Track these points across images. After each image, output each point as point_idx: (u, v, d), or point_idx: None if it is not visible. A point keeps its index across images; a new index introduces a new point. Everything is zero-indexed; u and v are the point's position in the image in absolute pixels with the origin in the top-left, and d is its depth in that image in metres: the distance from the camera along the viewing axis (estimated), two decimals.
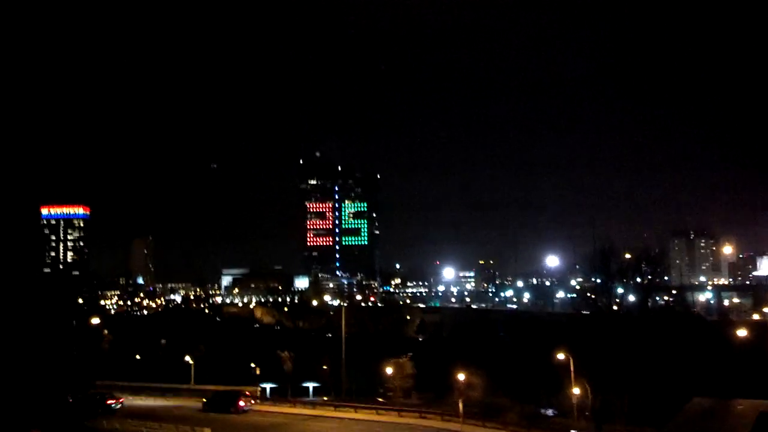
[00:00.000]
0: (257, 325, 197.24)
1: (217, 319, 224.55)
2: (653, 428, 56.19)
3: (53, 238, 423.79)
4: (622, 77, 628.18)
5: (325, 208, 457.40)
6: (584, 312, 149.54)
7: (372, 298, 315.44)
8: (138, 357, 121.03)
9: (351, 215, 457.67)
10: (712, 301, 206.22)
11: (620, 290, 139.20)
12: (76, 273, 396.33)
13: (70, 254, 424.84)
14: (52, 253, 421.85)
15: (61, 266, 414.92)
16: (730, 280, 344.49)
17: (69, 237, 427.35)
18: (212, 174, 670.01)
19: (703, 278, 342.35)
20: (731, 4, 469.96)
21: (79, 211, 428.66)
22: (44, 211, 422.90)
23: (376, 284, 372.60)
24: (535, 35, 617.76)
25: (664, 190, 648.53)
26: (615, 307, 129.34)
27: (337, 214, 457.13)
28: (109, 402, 78.24)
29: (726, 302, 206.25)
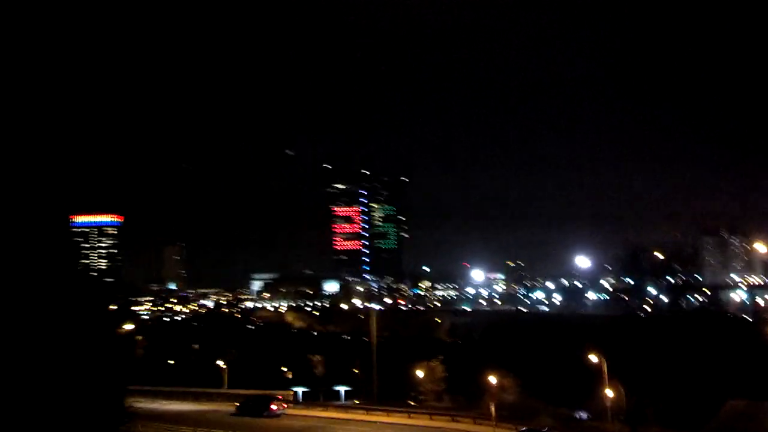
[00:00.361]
0: (288, 330, 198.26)
1: (248, 324, 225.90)
2: (688, 431, 55.62)
3: (86, 245, 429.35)
4: (650, 71, 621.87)
5: (353, 211, 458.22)
6: (616, 313, 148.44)
7: (401, 301, 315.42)
8: (171, 362, 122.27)
9: (379, 219, 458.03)
10: (746, 301, 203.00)
11: (652, 290, 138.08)
12: (109, 280, 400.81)
13: (103, 261, 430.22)
14: (84, 261, 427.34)
15: (94, 273, 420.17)
16: (765, 279, 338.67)
17: (101, 244, 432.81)
18: (242, 180, 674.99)
19: (736, 277, 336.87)
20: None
21: (112, 218, 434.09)
22: (76, 219, 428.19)
23: (405, 287, 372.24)
24: (563, 33, 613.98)
25: (696, 188, 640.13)
26: (647, 308, 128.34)
27: (364, 217, 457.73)
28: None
29: (761, 301, 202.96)
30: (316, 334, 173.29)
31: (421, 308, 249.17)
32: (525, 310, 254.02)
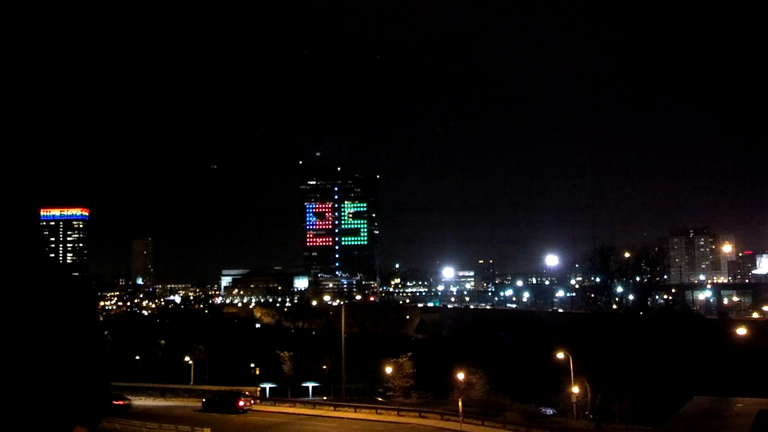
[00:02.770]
0: (257, 326, 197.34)
1: (217, 320, 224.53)
2: (653, 427, 56.20)
3: (52, 239, 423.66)
4: (621, 78, 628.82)
5: (325, 208, 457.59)
6: (584, 311, 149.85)
7: (372, 298, 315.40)
8: (137, 357, 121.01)
9: (350, 215, 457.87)
10: (711, 300, 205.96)
11: (620, 289, 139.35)
12: (76, 274, 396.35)
13: (69, 255, 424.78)
14: (52, 255, 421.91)
15: (61, 268, 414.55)
16: (730, 278, 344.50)
17: (68, 238, 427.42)
18: (212, 175, 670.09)
19: (702, 277, 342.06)
20: (732, 6, 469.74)
21: (78, 212, 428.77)
22: (43, 213, 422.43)
23: (375, 284, 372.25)
24: (533, 38, 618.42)
25: (663, 190, 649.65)
26: (614, 306, 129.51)
27: (336, 214, 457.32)
28: (116, 402, 77.94)
29: (725, 301, 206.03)
30: (285, 330, 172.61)
31: (391, 305, 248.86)
32: (491, 307, 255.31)
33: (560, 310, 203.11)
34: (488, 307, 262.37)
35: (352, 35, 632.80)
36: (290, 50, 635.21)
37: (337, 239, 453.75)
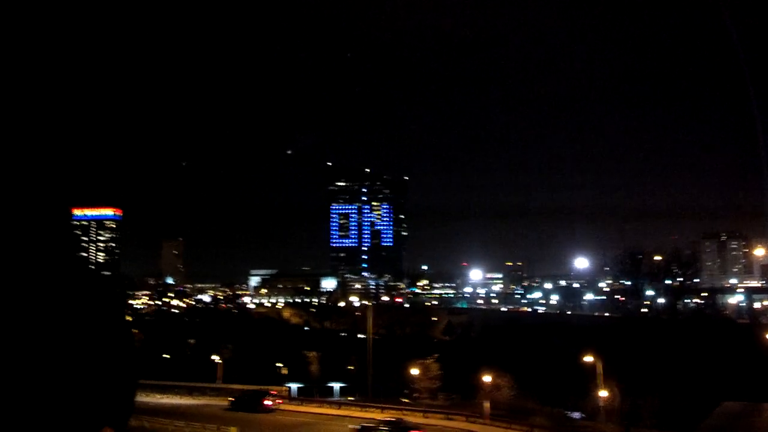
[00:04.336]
0: (284, 326, 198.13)
1: (245, 319, 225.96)
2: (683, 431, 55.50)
3: (84, 239, 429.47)
4: (652, 78, 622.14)
5: (352, 209, 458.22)
6: (613, 314, 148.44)
7: (399, 299, 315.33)
8: (167, 356, 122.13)
9: (378, 217, 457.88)
10: (743, 304, 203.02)
11: (650, 292, 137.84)
12: (107, 273, 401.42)
13: (101, 255, 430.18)
14: (84, 254, 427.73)
15: (92, 267, 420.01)
16: (762, 282, 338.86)
17: (100, 238, 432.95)
18: (242, 176, 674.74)
19: (734, 280, 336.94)
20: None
21: (111, 212, 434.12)
22: (76, 213, 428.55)
23: (402, 285, 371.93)
24: (563, 35, 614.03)
25: (695, 192, 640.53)
26: (645, 310, 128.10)
27: (364, 215, 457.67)
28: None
29: (757, 305, 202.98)
30: (312, 330, 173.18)
31: (418, 307, 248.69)
32: (528, 309, 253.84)
33: (592, 314, 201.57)
34: (517, 309, 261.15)
35: (376, 38, 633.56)
36: (320, 53, 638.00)
37: (364, 240, 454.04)
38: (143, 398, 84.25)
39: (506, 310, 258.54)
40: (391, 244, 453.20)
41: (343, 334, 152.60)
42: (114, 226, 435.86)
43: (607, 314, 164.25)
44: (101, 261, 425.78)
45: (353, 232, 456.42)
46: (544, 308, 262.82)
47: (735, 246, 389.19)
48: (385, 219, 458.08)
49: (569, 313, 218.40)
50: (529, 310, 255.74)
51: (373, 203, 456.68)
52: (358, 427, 67.22)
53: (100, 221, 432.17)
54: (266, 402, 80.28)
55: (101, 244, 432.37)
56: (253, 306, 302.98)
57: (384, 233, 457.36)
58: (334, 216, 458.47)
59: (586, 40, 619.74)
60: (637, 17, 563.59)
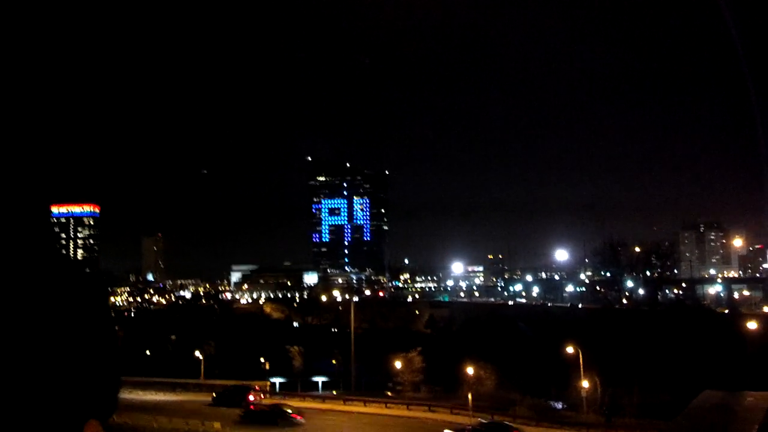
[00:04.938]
0: (267, 321, 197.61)
1: (226, 315, 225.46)
2: (663, 421, 56.05)
3: (63, 236, 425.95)
4: (630, 71, 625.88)
5: (334, 204, 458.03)
6: (594, 306, 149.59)
7: (381, 294, 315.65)
8: (148, 352, 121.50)
9: (360, 211, 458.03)
10: (722, 294, 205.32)
11: (630, 284, 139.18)
12: (87, 270, 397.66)
13: (80, 252, 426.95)
14: (63, 251, 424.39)
15: (73, 263, 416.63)
16: (741, 272, 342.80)
17: (79, 235, 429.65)
18: (221, 171, 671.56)
19: (713, 271, 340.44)
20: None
21: (89, 209, 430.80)
22: (54, 210, 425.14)
23: (384, 280, 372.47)
24: (541, 31, 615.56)
25: (674, 184, 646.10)
26: (625, 301, 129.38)
27: (345, 210, 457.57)
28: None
29: (736, 295, 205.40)
30: (295, 325, 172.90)
31: (401, 300, 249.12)
32: (504, 302, 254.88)
33: (572, 305, 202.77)
34: (498, 301, 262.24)
35: (358, 30, 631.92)
36: (298, 45, 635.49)
37: (346, 235, 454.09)
38: (126, 395, 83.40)
39: (490, 302, 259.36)
40: (372, 238, 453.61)
41: (325, 329, 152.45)
42: (92, 222, 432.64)
43: (587, 306, 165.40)
44: (80, 258, 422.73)
45: (335, 226, 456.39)
46: (524, 300, 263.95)
47: (713, 237, 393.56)
48: (366, 214, 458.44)
49: (550, 304, 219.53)
50: (511, 303, 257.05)
51: (354, 197, 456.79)
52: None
53: (78, 218, 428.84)
54: (250, 397, 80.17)
55: (80, 241, 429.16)
56: (234, 301, 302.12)
57: (365, 228, 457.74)
58: (315, 211, 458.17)
59: (567, 34, 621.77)
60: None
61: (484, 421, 64.92)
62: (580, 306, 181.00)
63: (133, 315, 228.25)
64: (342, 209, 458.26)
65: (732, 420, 9.97)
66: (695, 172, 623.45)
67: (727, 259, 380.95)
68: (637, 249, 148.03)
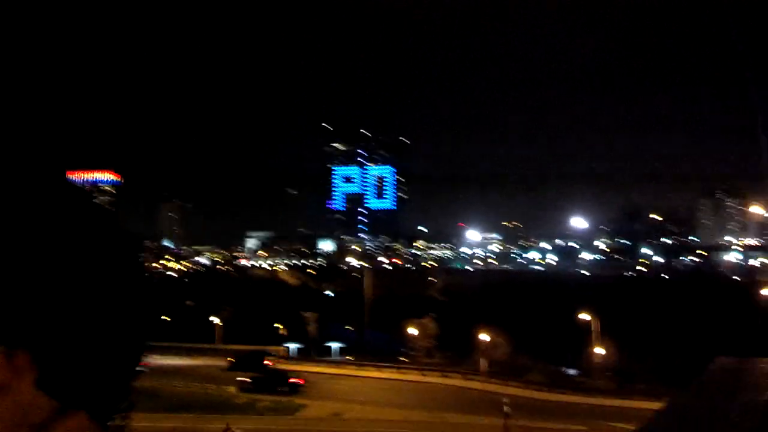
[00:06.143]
0: (282, 287, 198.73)
1: (243, 281, 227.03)
2: (676, 388, 56.05)
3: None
4: (648, 35, 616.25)
5: (351, 171, 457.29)
6: (610, 273, 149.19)
7: (396, 260, 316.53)
8: (166, 318, 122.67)
9: (376, 178, 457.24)
10: (739, 262, 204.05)
11: (646, 251, 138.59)
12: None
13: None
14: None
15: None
16: (758, 240, 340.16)
17: (97, 201, 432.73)
18: (239, 138, 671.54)
19: (730, 238, 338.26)
20: None
21: (109, 176, 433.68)
22: (73, 177, 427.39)
23: (400, 246, 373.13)
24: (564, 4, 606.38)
25: (691, 149, 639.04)
26: (641, 268, 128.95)
27: (362, 177, 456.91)
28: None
29: (753, 262, 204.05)
30: (310, 291, 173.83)
31: (416, 267, 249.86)
32: (520, 269, 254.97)
33: (588, 272, 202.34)
34: (513, 268, 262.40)
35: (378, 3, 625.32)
36: (318, 11, 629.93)
37: (362, 201, 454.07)
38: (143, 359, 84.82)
39: (505, 269, 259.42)
40: (388, 205, 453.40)
41: (341, 296, 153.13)
42: (109, 189, 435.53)
43: (604, 273, 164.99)
44: None
45: (351, 193, 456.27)
46: (541, 268, 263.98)
47: (731, 204, 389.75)
48: (382, 180, 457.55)
49: (566, 272, 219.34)
50: (526, 270, 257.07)
51: (370, 164, 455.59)
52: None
53: (96, 185, 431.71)
54: (265, 362, 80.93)
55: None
56: (250, 268, 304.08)
57: (381, 194, 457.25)
58: (332, 177, 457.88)
59: (589, 11, 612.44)
60: None
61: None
62: (595, 273, 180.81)
63: (150, 281, 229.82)
64: (358, 176, 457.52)
65: (744, 386, 9.81)
66: (714, 138, 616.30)
67: (745, 227, 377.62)
68: (654, 216, 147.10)
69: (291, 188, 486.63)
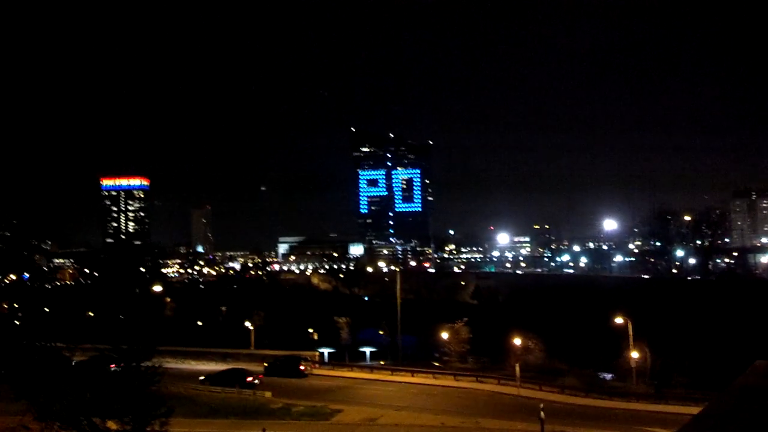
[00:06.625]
0: (314, 292, 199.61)
1: (275, 286, 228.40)
2: (713, 392, 55.51)
3: (114, 209, 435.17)
4: (679, 36, 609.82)
5: (378, 175, 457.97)
6: (643, 275, 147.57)
7: (426, 264, 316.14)
8: (200, 323, 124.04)
9: (404, 182, 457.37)
10: None
11: (680, 253, 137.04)
12: (138, 242, 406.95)
13: (131, 224, 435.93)
14: (114, 224, 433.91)
15: (123, 236, 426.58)
16: None
17: (130, 208, 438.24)
18: (269, 145, 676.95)
19: (765, 240, 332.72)
20: None
21: (139, 182, 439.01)
22: (105, 183, 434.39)
23: (430, 250, 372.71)
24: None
25: (726, 150, 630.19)
26: (675, 270, 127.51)
27: (390, 181, 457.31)
28: (249, 379, 77.04)
29: None
30: (341, 296, 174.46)
31: (446, 271, 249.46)
32: (551, 273, 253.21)
33: (621, 275, 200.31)
34: (545, 272, 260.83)
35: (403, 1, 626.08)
36: (342, 19, 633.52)
37: (391, 206, 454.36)
38: (179, 365, 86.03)
39: (536, 272, 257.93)
40: (417, 209, 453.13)
41: (372, 300, 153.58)
42: (143, 195, 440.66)
43: (637, 275, 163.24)
44: (131, 231, 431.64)
45: (380, 197, 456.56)
46: (572, 270, 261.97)
47: (766, 204, 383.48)
48: (410, 184, 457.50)
49: (599, 275, 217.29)
50: (558, 273, 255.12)
51: (398, 168, 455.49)
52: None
53: (129, 191, 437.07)
54: (300, 367, 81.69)
55: (131, 214, 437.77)
56: (282, 273, 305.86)
57: (410, 199, 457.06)
58: (360, 182, 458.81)
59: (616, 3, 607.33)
60: None
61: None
62: (627, 276, 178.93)
63: (184, 286, 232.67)
64: (386, 180, 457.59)
65: None
66: (748, 138, 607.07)
67: None
68: (687, 218, 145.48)
69: (313, 194, 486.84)
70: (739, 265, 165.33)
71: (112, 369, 41.39)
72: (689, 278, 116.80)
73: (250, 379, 76.00)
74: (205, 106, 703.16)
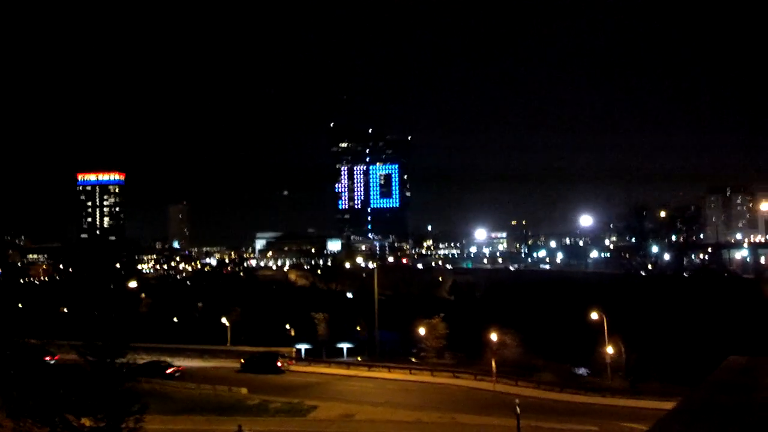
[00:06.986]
0: (291, 288, 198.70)
1: (252, 282, 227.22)
2: (687, 387, 56.05)
3: (89, 204, 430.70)
4: (654, 33, 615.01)
5: (357, 170, 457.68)
6: (618, 271, 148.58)
7: (404, 260, 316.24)
8: (175, 320, 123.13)
9: (382, 177, 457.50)
10: (748, 259, 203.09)
11: (655, 249, 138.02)
12: (113, 238, 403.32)
13: (106, 220, 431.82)
14: (89, 219, 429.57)
15: (98, 231, 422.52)
16: (767, 237, 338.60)
17: (105, 203, 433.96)
18: (245, 139, 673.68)
19: (739, 236, 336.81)
20: None
21: (115, 176, 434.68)
22: (80, 178, 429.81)
23: (408, 246, 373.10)
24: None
25: (700, 147, 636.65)
26: (650, 266, 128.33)
27: (368, 176, 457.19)
28: (169, 371, 78.65)
29: (762, 260, 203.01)
30: (319, 292, 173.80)
31: (424, 267, 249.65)
32: (527, 268, 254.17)
33: (594, 271, 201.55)
34: (522, 267, 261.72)
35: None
36: (323, 11, 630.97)
37: (369, 201, 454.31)
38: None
39: (513, 268, 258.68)
40: (395, 205, 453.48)
41: (349, 296, 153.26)
42: (118, 190, 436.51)
43: (612, 271, 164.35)
44: (106, 226, 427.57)
45: (358, 193, 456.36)
46: (548, 266, 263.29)
47: (740, 201, 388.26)
48: (389, 180, 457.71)
49: (575, 271, 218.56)
50: (534, 269, 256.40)
51: (377, 164, 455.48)
52: None
53: (104, 186, 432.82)
54: (277, 363, 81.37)
55: (106, 209, 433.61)
56: (259, 268, 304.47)
57: (388, 194, 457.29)
58: (339, 177, 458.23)
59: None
60: None
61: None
62: (603, 272, 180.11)
63: (159, 282, 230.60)
64: (364, 175, 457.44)
65: (756, 385, 10.00)
66: (722, 135, 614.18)
67: (754, 224, 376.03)
68: (663, 213, 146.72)
69: (291, 189, 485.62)
70: (714, 261, 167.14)
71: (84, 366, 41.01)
72: (664, 274, 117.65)
73: (170, 371, 77.98)
74: (182, 101, 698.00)
